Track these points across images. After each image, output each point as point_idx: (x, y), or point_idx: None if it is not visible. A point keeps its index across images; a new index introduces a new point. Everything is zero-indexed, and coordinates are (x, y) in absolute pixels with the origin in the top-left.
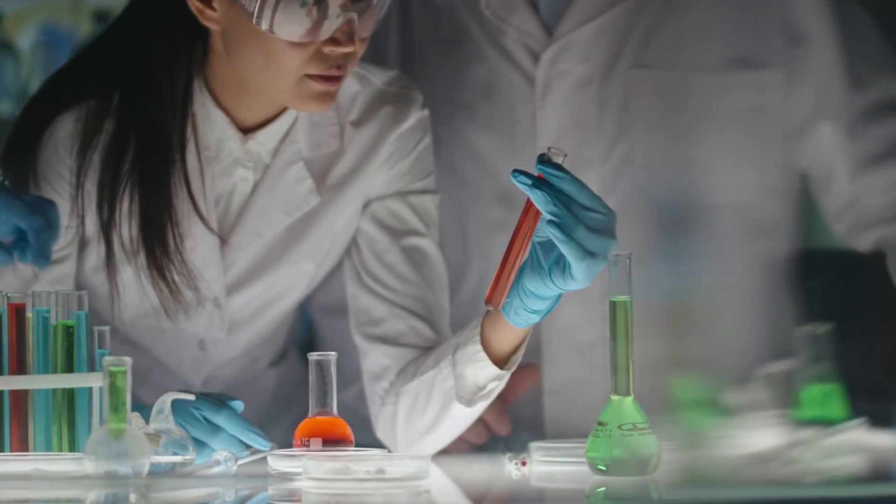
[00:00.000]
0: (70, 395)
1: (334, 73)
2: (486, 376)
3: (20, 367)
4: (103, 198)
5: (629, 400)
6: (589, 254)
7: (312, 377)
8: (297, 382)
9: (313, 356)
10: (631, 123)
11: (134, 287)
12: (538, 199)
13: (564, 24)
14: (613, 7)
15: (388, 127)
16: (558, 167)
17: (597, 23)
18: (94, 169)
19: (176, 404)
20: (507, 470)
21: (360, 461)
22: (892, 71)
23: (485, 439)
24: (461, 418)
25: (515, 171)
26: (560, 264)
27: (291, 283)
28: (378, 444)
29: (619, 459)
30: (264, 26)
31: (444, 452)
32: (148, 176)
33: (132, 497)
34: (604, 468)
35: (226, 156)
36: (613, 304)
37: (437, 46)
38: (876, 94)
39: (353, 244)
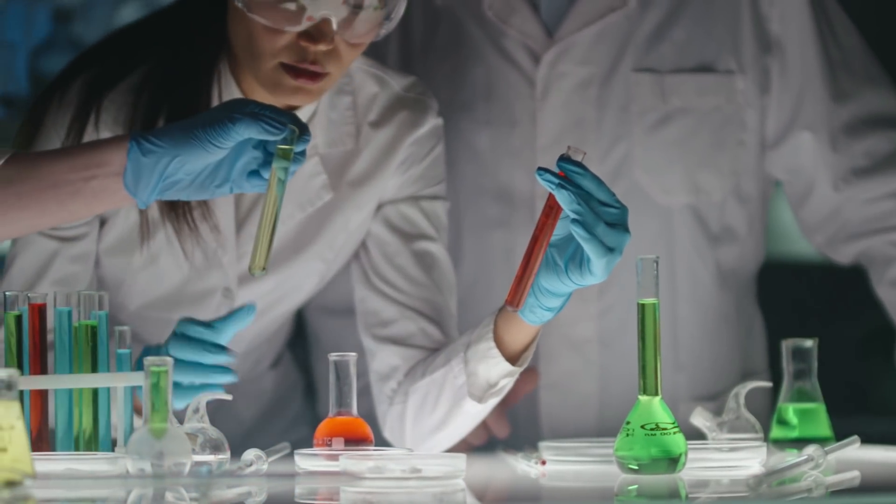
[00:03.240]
0: (94, 394)
1: (308, 67)
2: (498, 373)
3: (42, 367)
4: None
5: (657, 400)
6: (608, 249)
7: (332, 377)
8: (293, 384)
9: (333, 356)
10: (631, 124)
11: (150, 268)
12: (563, 198)
13: (565, 27)
14: (614, 11)
15: (404, 131)
16: (579, 164)
17: (597, 26)
18: None
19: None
20: (521, 469)
21: (395, 460)
22: (876, 84)
23: (483, 440)
24: (471, 415)
25: (541, 169)
26: (576, 260)
27: (301, 280)
28: (385, 444)
29: (651, 458)
30: (239, 3)
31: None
32: None
33: (190, 496)
34: (636, 467)
35: None
36: (642, 307)
37: (437, 46)
38: (859, 108)
39: (362, 247)
